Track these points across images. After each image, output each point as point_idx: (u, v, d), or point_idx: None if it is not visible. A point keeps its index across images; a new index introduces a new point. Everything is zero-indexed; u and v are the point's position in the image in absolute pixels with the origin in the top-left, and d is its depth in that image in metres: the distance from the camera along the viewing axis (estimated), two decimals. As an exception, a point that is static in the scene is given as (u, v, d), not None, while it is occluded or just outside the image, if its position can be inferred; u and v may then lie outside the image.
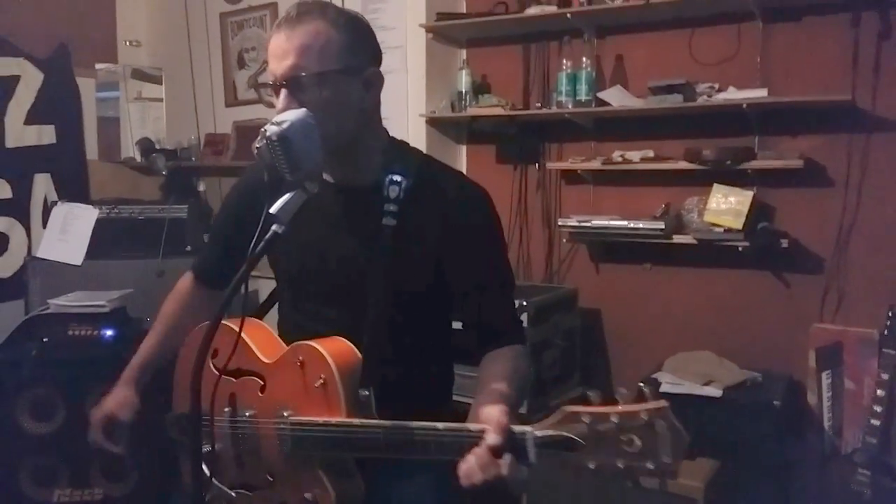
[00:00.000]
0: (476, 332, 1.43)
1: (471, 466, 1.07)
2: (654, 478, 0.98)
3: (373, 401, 1.28)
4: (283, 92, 1.28)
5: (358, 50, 1.33)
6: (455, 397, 1.59)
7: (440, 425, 1.14)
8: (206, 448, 1.41)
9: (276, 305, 1.64)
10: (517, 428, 1.06)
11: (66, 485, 2.52)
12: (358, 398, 1.27)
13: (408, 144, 1.49)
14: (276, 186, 1.18)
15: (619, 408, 0.99)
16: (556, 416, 1.03)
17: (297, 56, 1.27)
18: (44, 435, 2.48)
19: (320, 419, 1.27)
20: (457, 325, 1.52)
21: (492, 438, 1.05)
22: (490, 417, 1.07)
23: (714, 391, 2.44)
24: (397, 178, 1.36)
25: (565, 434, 1.01)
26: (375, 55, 1.39)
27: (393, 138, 1.46)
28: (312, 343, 1.32)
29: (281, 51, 1.28)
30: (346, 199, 1.41)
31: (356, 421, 1.24)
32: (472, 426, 1.12)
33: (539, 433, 1.04)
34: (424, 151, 1.52)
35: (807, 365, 2.58)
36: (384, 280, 1.34)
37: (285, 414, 1.32)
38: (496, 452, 1.05)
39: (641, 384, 2.54)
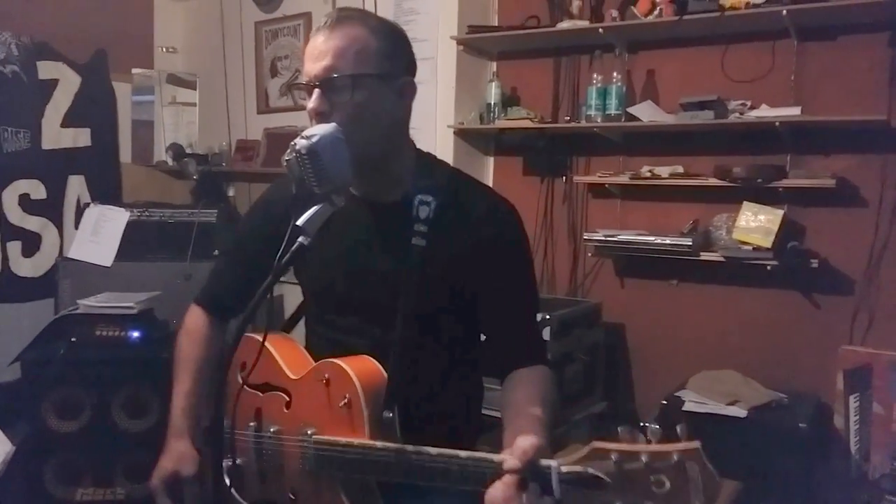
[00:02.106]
0: (500, 349, 1.42)
1: (494, 495, 1.06)
2: None
3: (397, 422, 1.27)
4: (317, 92, 1.28)
5: (394, 57, 1.33)
6: (484, 411, 1.57)
7: (462, 453, 1.13)
8: (228, 461, 1.42)
9: (304, 318, 1.62)
10: (543, 461, 1.04)
11: (90, 484, 2.56)
12: (381, 419, 1.26)
13: (435, 158, 1.47)
14: (303, 199, 1.19)
15: (650, 447, 0.96)
16: (583, 450, 1.01)
17: (333, 57, 1.27)
18: (69, 434, 2.52)
19: (343, 440, 1.26)
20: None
21: (513, 465, 1.04)
22: (517, 446, 1.06)
23: (739, 411, 2.40)
24: (427, 198, 1.35)
25: (591, 471, 0.99)
26: (410, 65, 1.39)
27: (420, 151, 1.45)
28: (338, 361, 1.31)
29: (318, 52, 1.28)
30: (375, 213, 1.40)
31: (378, 444, 1.22)
32: (494, 456, 1.11)
33: (565, 468, 1.01)
34: (451, 162, 1.51)
35: (834, 387, 2.54)
36: (414, 300, 1.33)
37: (309, 432, 1.32)
38: (521, 483, 1.04)
39: (664, 402, 2.52)
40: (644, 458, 0.95)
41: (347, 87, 1.27)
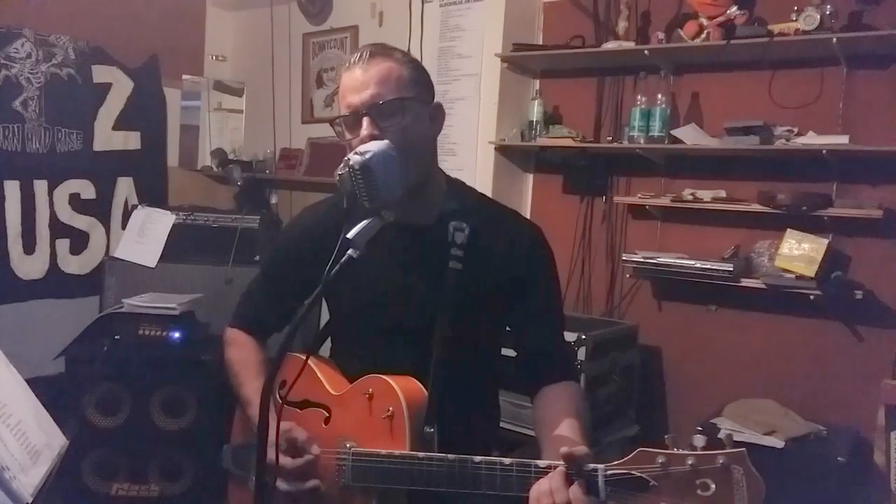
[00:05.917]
0: (532, 367, 1.47)
1: (541, 490, 1.10)
2: None
3: (436, 438, 1.29)
4: (367, 119, 1.33)
5: (423, 84, 1.42)
6: (510, 426, 1.59)
7: (507, 460, 1.15)
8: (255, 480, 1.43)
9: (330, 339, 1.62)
10: (589, 465, 1.07)
11: (125, 479, 2.62)
12: (423, 434, 1.29)
13: (463, 183, 1.54)
14: (350, 214, 1.23)
15: (696, 452, 0.99)
16: (631, 455, 1.04)
17: (377, 85, 1.33)
18: (108, 429, 2.58)
19: (384, 451, 1.28)
20: (507, 351, 1.53)
21: (564, 453, 1.07)
22: (564, 449, 1.09)
23: (776, 442, 2.36)
24: (461, 224, 1.41)
25: (636, 472, 1.02)
26: (433, 92, 1.47)
27: (449, 177, 1.52)
28: (383, 376, 1.34)
29: (359, 83, 1.34)
30: (410, 236, 1.44)
31: (421, 454, 1.24)
32: (540, 462, 1.14)
33: (610, 470, 1.05)
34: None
35: (875, 422, 2.48)
36: (452, 322, 1.37)
37: (347, 445, 1.34)
38: (567, 478, 1.08)
39: (699, 429, 2.48)
40: (690, 462, 0.98)
41: (397, 110, 1.33)
